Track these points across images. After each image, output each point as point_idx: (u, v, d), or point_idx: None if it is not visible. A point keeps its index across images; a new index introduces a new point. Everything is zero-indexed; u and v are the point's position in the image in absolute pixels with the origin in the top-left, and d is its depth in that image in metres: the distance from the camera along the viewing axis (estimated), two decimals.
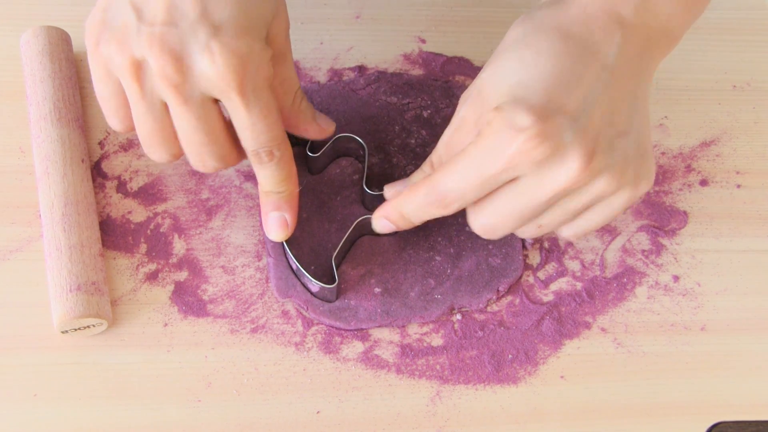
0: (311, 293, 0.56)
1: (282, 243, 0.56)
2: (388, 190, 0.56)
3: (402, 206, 0.51)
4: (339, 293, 0.56)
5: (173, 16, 0.47)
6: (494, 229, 0.50)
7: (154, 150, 0.51)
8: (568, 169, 0.46)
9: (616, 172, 0.47)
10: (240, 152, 0.51)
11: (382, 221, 0.53)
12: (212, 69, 0.47)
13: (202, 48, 0.47)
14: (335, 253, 0.55)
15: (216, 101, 0.49)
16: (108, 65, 0.48)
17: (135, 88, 0.48)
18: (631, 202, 0.49)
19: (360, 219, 0.56)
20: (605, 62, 0.48)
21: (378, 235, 0.58)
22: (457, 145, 0.51)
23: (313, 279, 0.55)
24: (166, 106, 0.49)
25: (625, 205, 0.49)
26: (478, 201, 0.49)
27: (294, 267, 0.56)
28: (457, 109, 0.51)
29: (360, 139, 0.58)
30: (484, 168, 0.46)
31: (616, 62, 0.48)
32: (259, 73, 0.48)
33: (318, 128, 0.56)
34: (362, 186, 0.58)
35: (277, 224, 0.54)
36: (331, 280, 0.55)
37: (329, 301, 0.56)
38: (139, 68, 0.47)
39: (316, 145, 0.58)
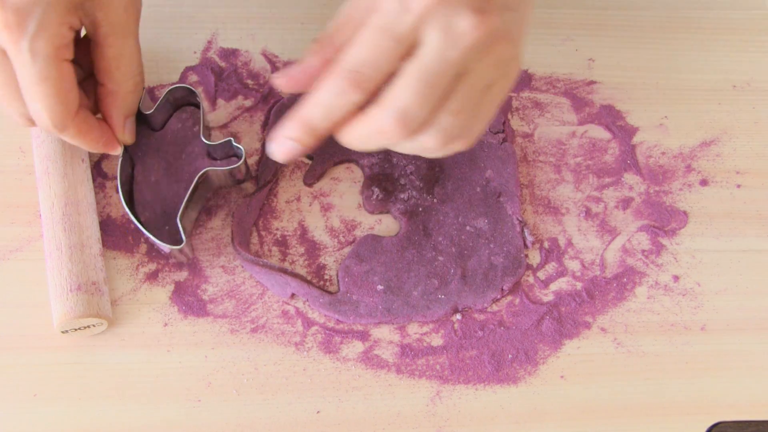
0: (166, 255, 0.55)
1: (131, 212, 0.55)
2: (277, 79, 0.49)
3: (309, 109, 0.46)
4: (192, 251, 0.55)
5: None
6: (405, 115, 0.46)
7: None
8: (467, 23, 0.45)
9: (507, 39, 0.47)
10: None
11: (282, 143, 0.47)
12: None
13: None
14: (179, 213, 0.54)
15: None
16: None
17: None
18: (516, 71, 0.49)
19: (200, 173, 0.55)
20: None
21: (377, 236, 0.58)
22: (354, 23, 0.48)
23: (157, 240, 0.54)
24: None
25: (513, 78, 0.49)
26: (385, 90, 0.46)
27: (144, 234, 0.55)
28: None
29: (192, 87, 0.57)
30: (393, 29, 0.45)
31: None
32: (41, 32, 0.48)
33: (119, 132, 0.54)
34: (200, 137, 0.57)
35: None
36: (180, 241, 0.54)
37: (188, 258, 0.56)
38: None
39: (146, 103, 0.57)
